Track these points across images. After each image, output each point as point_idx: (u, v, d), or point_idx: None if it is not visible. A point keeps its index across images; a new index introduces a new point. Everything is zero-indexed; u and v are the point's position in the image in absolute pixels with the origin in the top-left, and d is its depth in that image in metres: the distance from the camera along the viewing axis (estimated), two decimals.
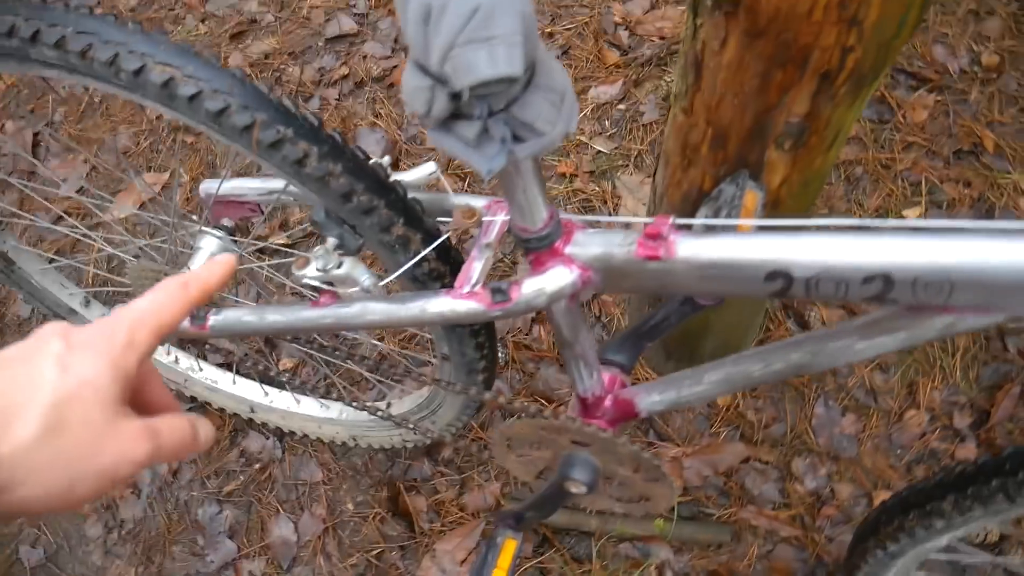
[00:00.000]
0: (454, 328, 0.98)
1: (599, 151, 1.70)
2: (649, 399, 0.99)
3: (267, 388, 1.47)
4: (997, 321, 0.68)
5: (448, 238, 0.91)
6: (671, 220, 0.75)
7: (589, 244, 0.79)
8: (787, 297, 0.73)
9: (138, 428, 0.44)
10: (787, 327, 1.53)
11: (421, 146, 1.74)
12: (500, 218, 0.86)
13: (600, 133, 1.72)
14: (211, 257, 1.16)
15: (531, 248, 0.80)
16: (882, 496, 1.40)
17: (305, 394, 1.44)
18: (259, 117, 0.79)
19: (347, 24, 1.92)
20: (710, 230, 0.77)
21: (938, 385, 1.47)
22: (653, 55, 1.77)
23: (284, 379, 1.22)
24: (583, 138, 1.72)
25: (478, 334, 1.00)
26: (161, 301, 0.47)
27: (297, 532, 1.45)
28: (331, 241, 0.87)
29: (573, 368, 0.98)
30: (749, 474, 1.44)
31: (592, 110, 1.76)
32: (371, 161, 0.86)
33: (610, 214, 1.62)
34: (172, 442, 0.46)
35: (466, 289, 0.83)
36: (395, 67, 1.85)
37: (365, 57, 1.88)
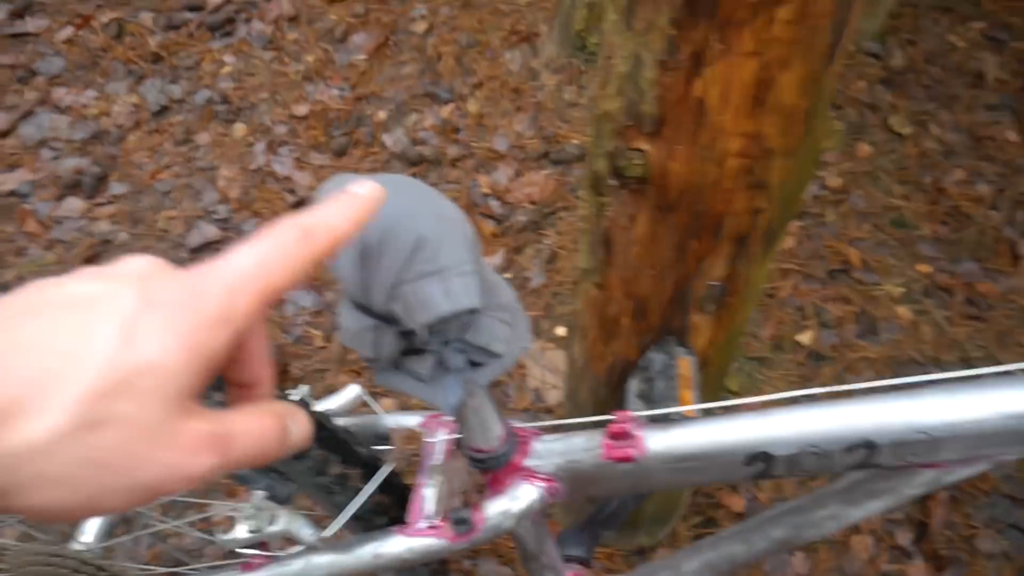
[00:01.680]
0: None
1: None
2: None
3: None
4: (983, 469, 0.66)
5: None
6: (631, 415, 0.71)
7: (550, 454, 0.74)
8: (768, 478, 0.70)
9: (203, 436, 0.32)
10: None
11: (309, 346, 1.65)
12: (443, 437, 0.79)
13: None
14: (104, 520, 1.02)
15: (488, 468, 0.74)
16: None
17: None
18: None
19: (210, 231, 1.85)
20: (663, 418, 0.73)
21: None
22: (528, 220, 1.79)
23: None
24: None
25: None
26: (273, 256, 0.34)
27: None
28: (259, 494, 0.77)
29: None
30: None
31: None
32: (293, 398, 0.78)
33: (518, 387, 1.58)
34: (248, 451, 0.34)
35: (423, 524, 0.74)
36: None
37: None
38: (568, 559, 1.00)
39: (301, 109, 2.08)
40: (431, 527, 0.74)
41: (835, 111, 1.91)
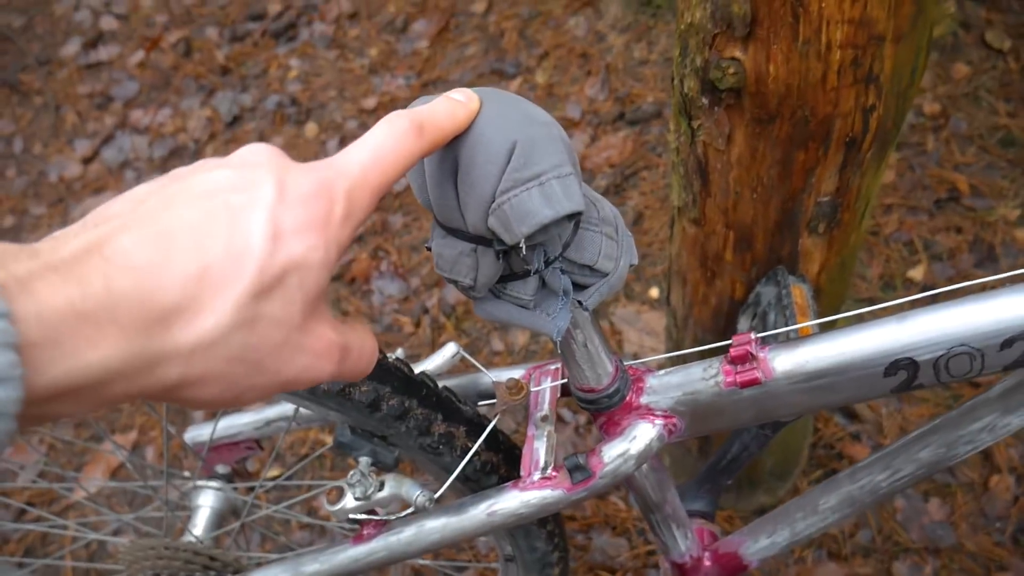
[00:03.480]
0: None
1: None
2: (757, 545, 0.86)
3: None
4: None
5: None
6: (753, 336, 0.65)
7: (666, 388, 0.68)
8: (911, 389, 0.63)
9: (331, 341, 0.34)
10: (836, 423, 1.41)
11: (400, 333, 1.63)
12: (549, 384, 0.74)
13: None
14: (213, 512, 1.02)
15: (601, 409, 0.69)
16: None
17: None
18: None
19: None
20: (781, 340, 0.67)
21: (1011, 442, 1.36)
22: (609, 184, 1.74)
23: None
24: None
25: (546, 522, 0.86)
26: (386, 151, 0.36)
27: None
28: (363, 461, 0.74)
29: (664, 532, 0.85)
30: None
31: None
32: (390, 358, 0.75)
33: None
34: (356, 366, 0.37)
35: (537, 476, 0.70)
36: (352, 261, 1.77)
37: None
38: (690, 514, 0.94)
39: (369, 102, 2.07)
40: (545, 478, 0.70)
41: None
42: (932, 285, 1.50)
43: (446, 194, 0.49)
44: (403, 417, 0.73)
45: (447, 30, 2.20)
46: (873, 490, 0.75)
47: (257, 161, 0.33)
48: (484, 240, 0.51)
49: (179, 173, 0.32)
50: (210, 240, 0.29)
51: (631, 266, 0.58)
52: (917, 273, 1.53)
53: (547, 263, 0.53)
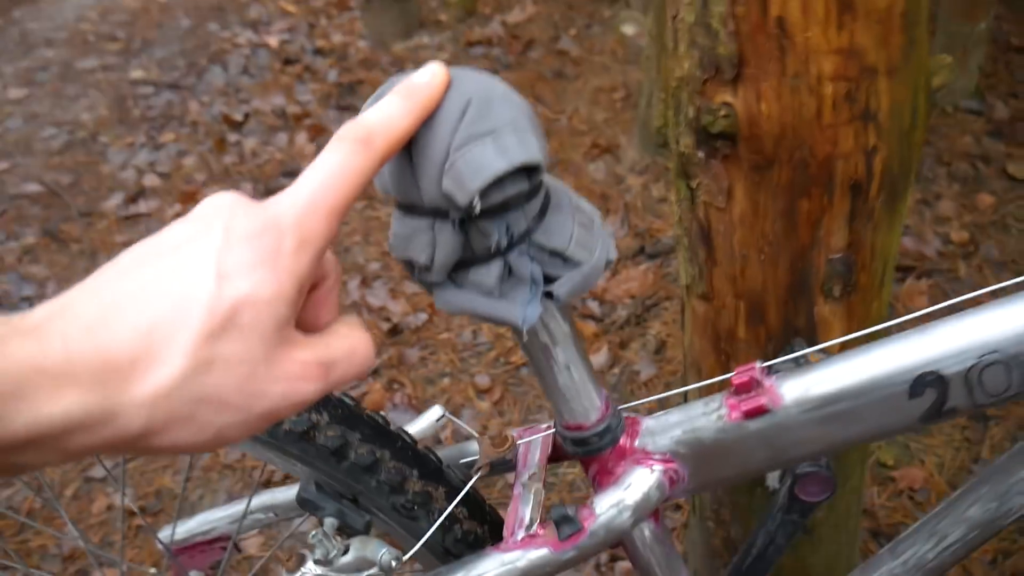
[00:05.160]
0: None
1: None
2: None
3: None
4: None
5: (478, 491, 0.71)
6: (758, 364, 0.59)
7: (664, 428, 0.61)
8: (943, 414, 0.56)
9: (308, 364, 0.34)
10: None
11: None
12: (539, 436, 0.67)
13: None
14: None
15: (591, 452, 0.61)
16: None
17: None
18: None
19: None
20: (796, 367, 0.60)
21: None
22: (629, 315, 1.70)
23: None
24: None
25: None
26: (334, 173, 0.36)
27: None
28: (328, 522, 0.66)
29: None
30: None
31: None
32: (365, 409, 0.69)
33: None
34: (347, 374, 0.36)
35: (520, 535, 0.62)
36: (365, 393, 1.72)
37: None
38: None
39: None
40: (529, 536, 0.62)
41: (944, 167, 1.78)
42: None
43: (401, 165, 0.46)
44: (373, 469, 0.66)
45: None
46: (919, 565, 0.65)
47: (212, 211, 0.34)
48: (441, 212, 0.47)
49: (150, 238, 0.34)
50: (160, 293, 0.31)
51: (608, 262, 0.53)
52: None
53: (511, 243, 0.49)
